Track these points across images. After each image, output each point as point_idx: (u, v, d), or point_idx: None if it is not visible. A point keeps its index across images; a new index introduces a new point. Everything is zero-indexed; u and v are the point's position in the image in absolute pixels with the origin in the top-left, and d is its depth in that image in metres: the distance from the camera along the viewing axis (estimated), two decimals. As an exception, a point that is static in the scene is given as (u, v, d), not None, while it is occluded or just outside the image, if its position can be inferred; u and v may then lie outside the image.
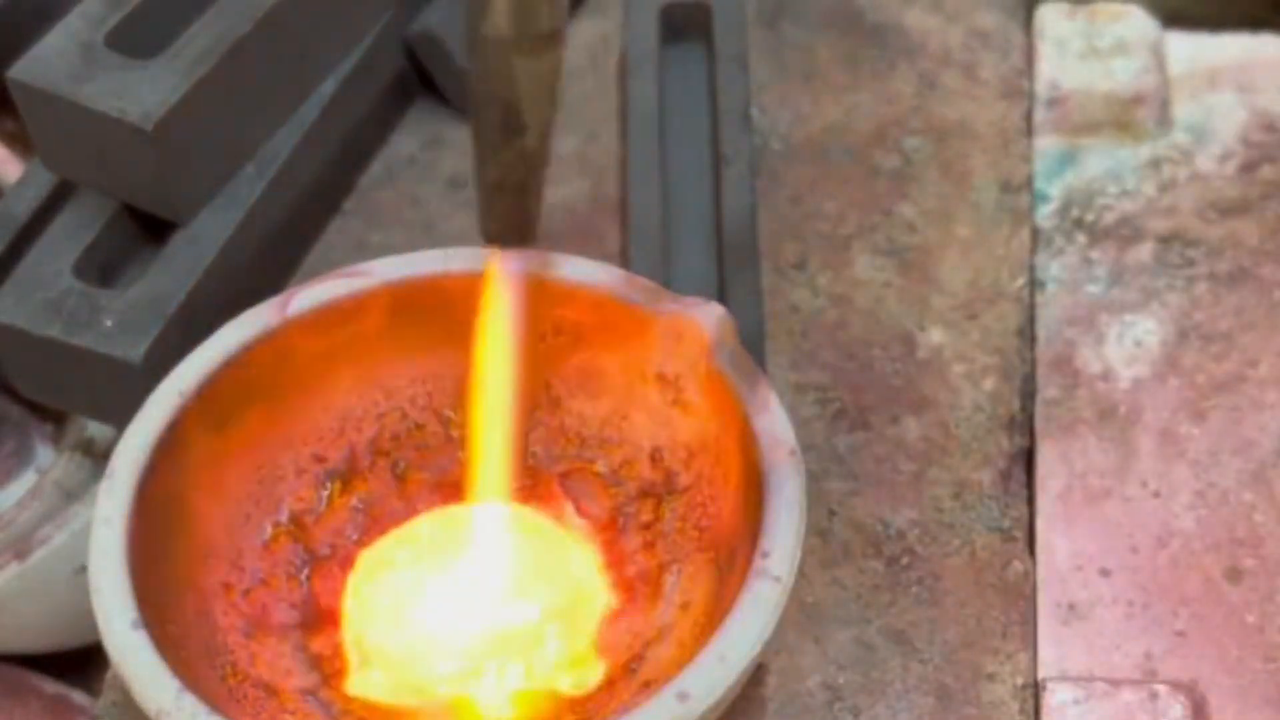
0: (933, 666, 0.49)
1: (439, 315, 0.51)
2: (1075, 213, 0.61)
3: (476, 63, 0.40)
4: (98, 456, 0.60)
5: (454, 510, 0.51)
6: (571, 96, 0.64)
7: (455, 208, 0.62)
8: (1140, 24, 0.66)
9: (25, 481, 0.62)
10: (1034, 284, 0.59)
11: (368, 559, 0.50)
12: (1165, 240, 0.60)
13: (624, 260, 0.58)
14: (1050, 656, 0.50)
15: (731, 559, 0.46)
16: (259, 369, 0.49)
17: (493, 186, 0.42)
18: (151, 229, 0.57)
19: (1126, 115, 0.63)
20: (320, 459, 0.51)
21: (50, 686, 0.64)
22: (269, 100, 0.58)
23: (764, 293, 0.57)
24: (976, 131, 0.63)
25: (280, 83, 0.58)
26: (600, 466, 0.51)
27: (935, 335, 0.57)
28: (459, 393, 0.52)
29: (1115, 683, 0.49)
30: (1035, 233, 0.60)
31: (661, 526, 0.50)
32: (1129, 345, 0.57)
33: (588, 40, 0.67)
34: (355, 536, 0.51)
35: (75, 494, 0.59)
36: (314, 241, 0.61)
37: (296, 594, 0.49)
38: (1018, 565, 0.52)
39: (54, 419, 0.64)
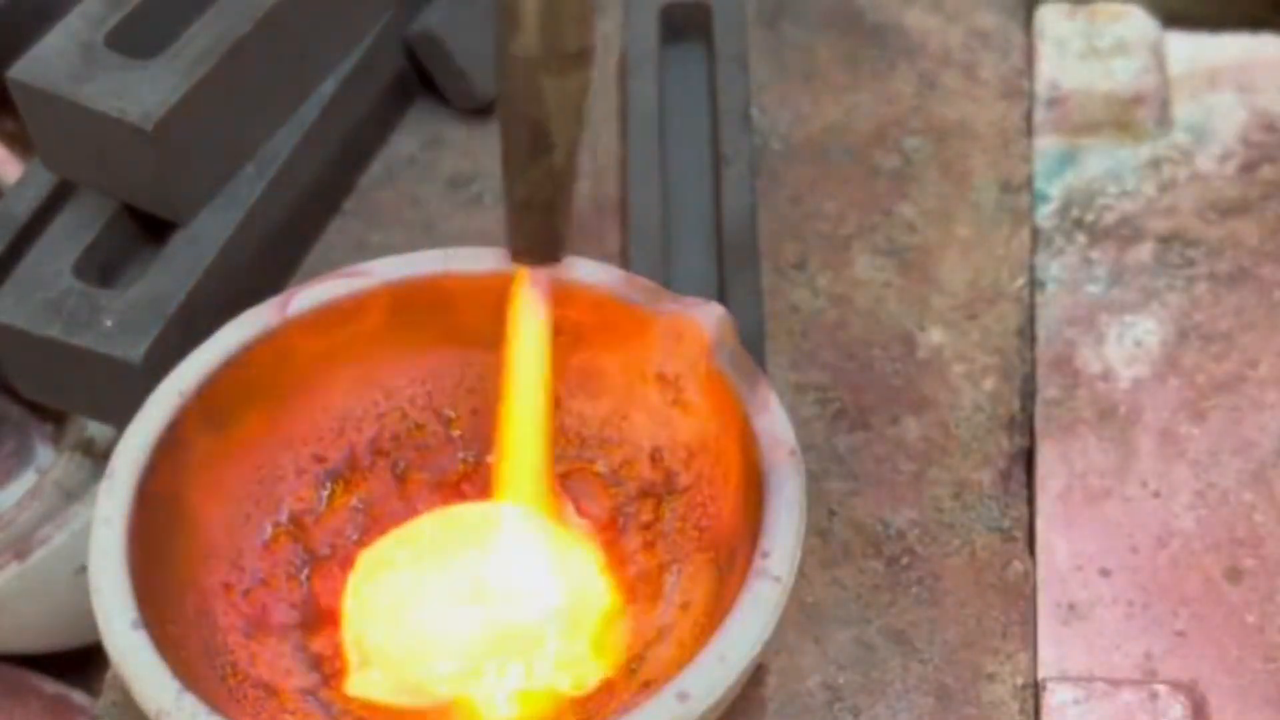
0: (933, 666, 0.49)
1: (439, 315, 0.51)
2: (1075, 213, 0.61)
3: (505, 82, 0.40)
4: (98, 456, 0.60)
5: (454, 510, 0.51)
6: (571, 96, 0.64)
7: (455, 208, 0.62)
8: (1140, 24, 0.66)
9: (25, 481, 0.63)
10: (1034, 284, 0.59)
11: (368, 559, 0.50)
12: (1165, 240, 0.60)
13: (624, 260, 0.58)
14: (1050, 656, 0.50)
15: (731, 559, 0.46)
16: (259, 369, 0.49)
17: (521, 204, 0.42)
18: (151, 229, 0.57)
19: (1126, 115, 0.63)
20: (320, 459, 0.51)
21: (50, 686, 0.64)
22: (269, 100, 0.58)
23: (764, 293, 0.57)
24: (976, 131, 0.63)
25: (280, 83, 0.58)
26: (600, 466, 0.51)
27: (935, 335, 0.57)
28: (458, 392, 0.52)
29: (1115, 683, 0.48)
30: (1035, 233, 0.60)
31: (661, 526, 0.50)
32: (1129, 345, 0.57)
33: (588, 40, 0.67)
34: (355, 536, 0.51)
35: (75, 494, 0.59)
36: (314, 241, 0.61)
37: (296, 594, 0.49)
38: (1018, 565, 0.52)
39: (54, 419, 0.64)
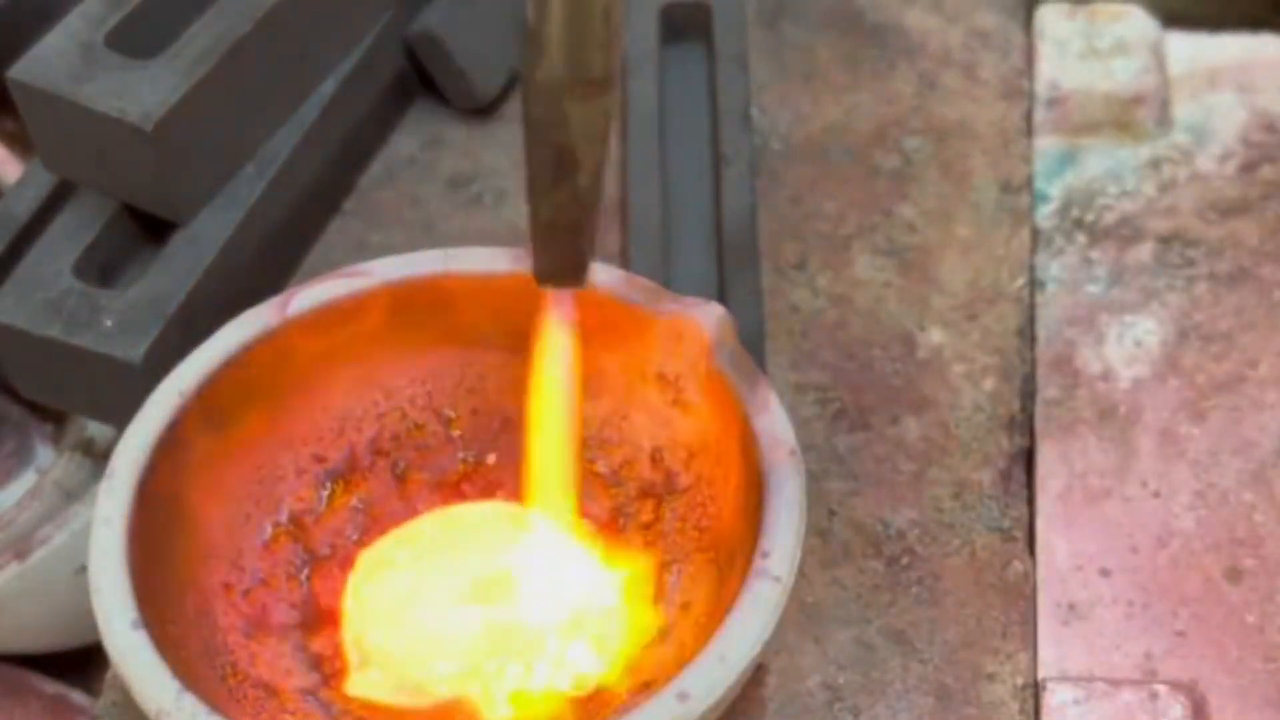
0: (933, 666, 0.49)
1: (439, 315, 0.51)
2: (1075, 213, 0.61)
3: (530, 107, 0.40)
4: (98, 456, 0.60)
5: (454, 510, 0.51)
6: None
7: (455, 208, 0.62)
8: (1140, 24, 0.66)
9: (25, 481, 0.63)
10: (1034, 284, 0.59)
11: (368, 559, 0.50)
12: (1165, 240, 0.60)
13: (624, 260, 0.58)
14: (1050, 656, 0.50)
15: (731, 559, 0.46)
16: (259, 369, 0.49)
17: (545, 227, 0.42)
18: (151, 229, 0.57)
19: (1126, 115, 0.63)
20: (320, 459, 0.51)
21: (50, 686, 0.64)
22: (269, 100, 0.58)
23: (764, 293, 0.57)
24: (976, 131, 0.63)
25: (280, 83, 0.58)
26: (600, 466, 0.51)
27: (935, 335, 0.57)
28: (458, 392, 0.52)
29: (1115, 683, 0.48)
30: (1035, 233, 0.60)
31: (661, 526, 0.50)
32: (1129, 345, 0.57)
33: (588, 40, 0.67)
34: (355, 536, 0.51)
35: (75, 494, 0.59)
36: (314, 241, 0.61)
37: (296, 594, 0.49)
38: (1018, 565, 0.52)
39: (54, 419, 0.64)
